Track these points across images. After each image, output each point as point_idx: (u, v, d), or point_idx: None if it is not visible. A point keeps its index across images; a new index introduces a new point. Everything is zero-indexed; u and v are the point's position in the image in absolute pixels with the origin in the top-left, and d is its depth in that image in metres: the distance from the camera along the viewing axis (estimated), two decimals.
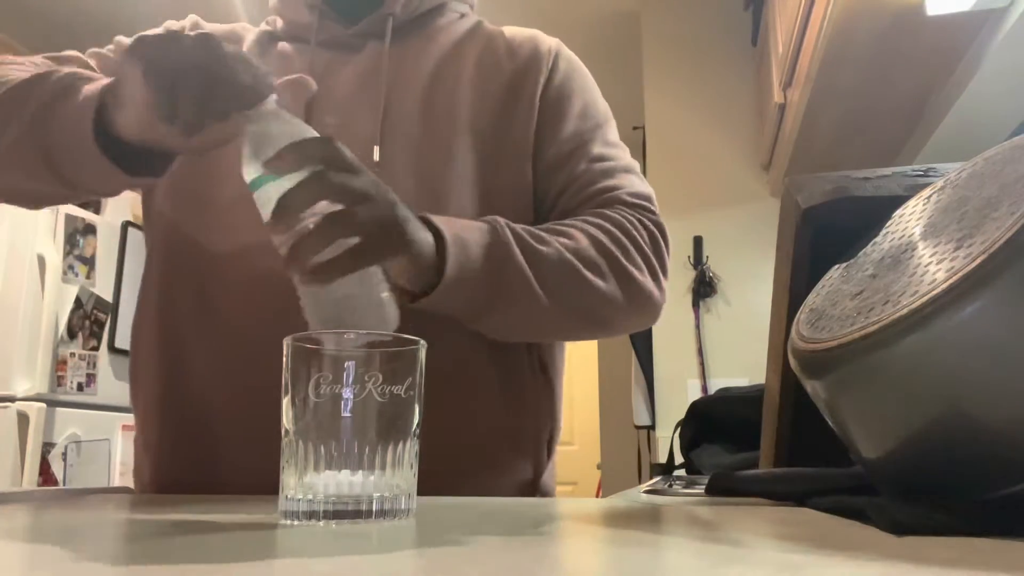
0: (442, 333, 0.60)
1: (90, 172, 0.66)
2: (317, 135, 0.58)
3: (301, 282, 0.55)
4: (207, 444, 0.74)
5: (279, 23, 0.90)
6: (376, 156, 0.78)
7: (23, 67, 0.74)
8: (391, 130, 0.79)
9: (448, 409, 0.71)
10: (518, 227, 0.72)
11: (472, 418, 0.75)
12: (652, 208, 0.82)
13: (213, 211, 0.77)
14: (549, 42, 0.88)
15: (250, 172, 0.56)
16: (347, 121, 0.80)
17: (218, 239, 0.76)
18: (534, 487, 0.81)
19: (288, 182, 0.54)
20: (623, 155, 0.86)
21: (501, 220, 0.71)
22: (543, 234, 0.73)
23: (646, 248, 0.78)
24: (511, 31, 0.89)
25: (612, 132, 0.88)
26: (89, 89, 0.65)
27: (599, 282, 0.73)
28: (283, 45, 0.87)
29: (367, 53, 0.84)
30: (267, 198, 0.55)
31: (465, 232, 0.68)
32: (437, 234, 0.65)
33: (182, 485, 0.74)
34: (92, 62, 0.81)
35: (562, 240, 0.73)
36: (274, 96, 0.59)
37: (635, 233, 0.78)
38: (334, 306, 0.56)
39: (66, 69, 0.70)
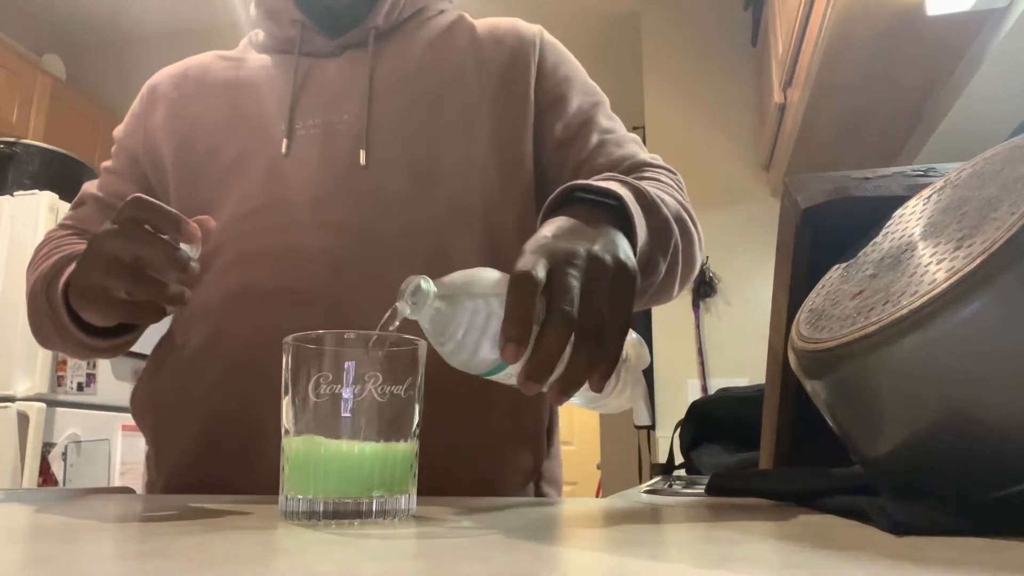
0: None
1: (102, 349, 0.78)
2: (496, 275, 0.47)
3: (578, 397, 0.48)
4: (224, 458, 0.74)
5: (261, 36, 0.91)
6: (363, 160, 0.78)
7: (47, 249, 0.84)
8: (378, 128, 0.80)
9: (450, 400, 0.71)
10: (631, 179, 0.66)
11: (474, 407, 0.75)
12: (673, 169, 0.85)
13: (215, 232, 0.78)
14: (532, 28, 0.90)
15: (474, 368, 0.47)
16: (332, 121, 0.81)
17: (219, 256, 0.77)
18: (537, 476, 0.81)
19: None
20: (623, 128, 0.89)
21: (618, 175, 0.68)
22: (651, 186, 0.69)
23: (691, 209, 0.79)
24: (492, 21, 0.90)
25: (608, 107, 0.90)
26: (57, 290, 0.75)
27: (695, 232, 0.75)
28: (262, 60, 0.88)
29: (347, 59, 0.85)
30: (510, 372, 0.46)
31: (624, 194, 0.59)
32: (617, 199, 0.58)
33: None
34: (100, 193, 0.89)
35: (663, 195, 0.70)
36: (416, 282, 0.45)
37: (683, 196, 0.79)
38: (616, 396, 0.53)
39: (54, 256, 0.80)
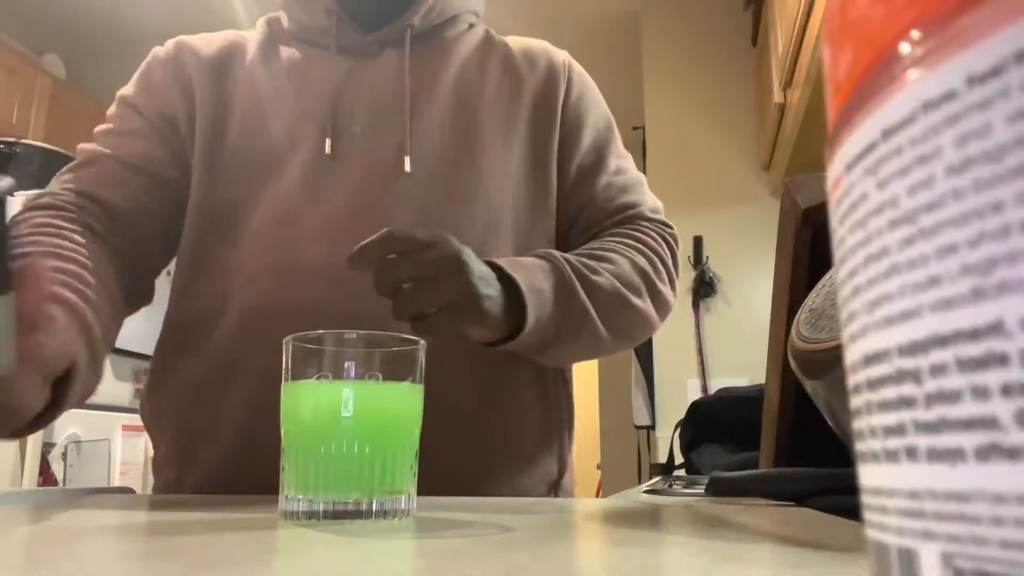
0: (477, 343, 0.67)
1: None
2: None
3: None
4: (261, 461, 0.73)
5: (285, 22, 0.87)
6: (407, 167, 0.77)
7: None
8: (418, 139, 0.79)
9: (482, 412, 0.74)
10: (573, 259, 0.75)
11: (504, 419, 0.77)
12: (667, 221, 0.89)
13: (240, 240, 0.77)
14: (561, 54, 0.92)
15: None
16: (373, 130, 0.80)
17: (255, 261, 0.75)
18: (558, 486, 0.82)
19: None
20: (632, 166, 0.92)
21: (558, 255, 0.74)
22: (594, 263, 0.76)
23: (668, 261, 0.84)
24: (521, 42, 0.91)
25: (620, 142, 0.92)
26: None
27: (640, 303, 0.78)
28: (293, 51, 0.85)
29: (385, 61, 0.83)
30: None
31: (536, 278, 0.70)
32: (511, 283, 0.68)
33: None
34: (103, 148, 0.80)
35: (608, 267, 0.77)
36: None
37: (660, 249, 0.84)
38: None
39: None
